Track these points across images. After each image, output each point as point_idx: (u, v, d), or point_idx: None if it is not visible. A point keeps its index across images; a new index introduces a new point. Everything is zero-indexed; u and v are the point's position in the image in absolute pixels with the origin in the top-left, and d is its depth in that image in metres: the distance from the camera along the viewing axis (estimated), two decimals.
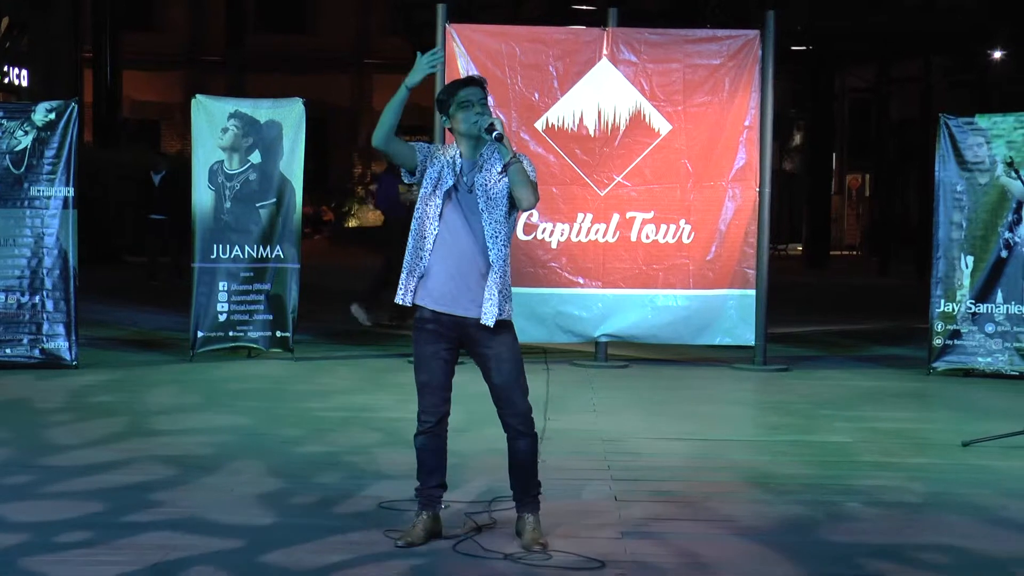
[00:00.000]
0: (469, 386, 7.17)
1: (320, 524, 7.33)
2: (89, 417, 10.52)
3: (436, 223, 6.82)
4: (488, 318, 6.76)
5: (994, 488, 8.59)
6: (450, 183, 6.82)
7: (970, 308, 13.42)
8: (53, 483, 8.19)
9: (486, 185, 6.81)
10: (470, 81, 6.98)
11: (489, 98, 6.93)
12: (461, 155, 6.88)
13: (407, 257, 6.91)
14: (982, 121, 13.54)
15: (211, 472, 8.58)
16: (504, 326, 6.85)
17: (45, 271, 12.84)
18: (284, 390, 12.11)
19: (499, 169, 6.79)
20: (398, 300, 6.93)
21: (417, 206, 6.92)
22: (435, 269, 6.84)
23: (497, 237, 6.77)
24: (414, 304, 6.90)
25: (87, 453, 9.11)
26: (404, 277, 6.90)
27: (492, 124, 6.75)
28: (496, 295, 6.76)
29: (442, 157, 6.88)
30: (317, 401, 11.55)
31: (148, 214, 24.68)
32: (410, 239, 6.90)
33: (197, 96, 13.92)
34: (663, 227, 13.79)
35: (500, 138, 6.71)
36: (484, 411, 6.93)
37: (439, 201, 6.83)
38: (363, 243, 38.65)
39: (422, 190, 6.89)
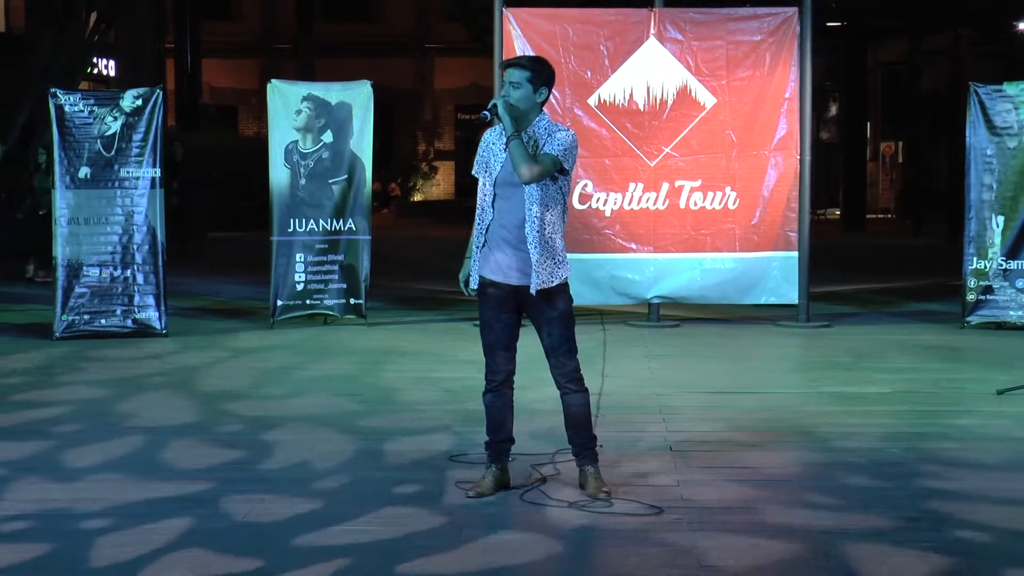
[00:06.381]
0: (532, 347, 7.14)
1: (395, 477, 7.34)
2: (177, 381, 10.60)
3: (491, 208, 6.80)
4: (533, 287, 6.72)
5: None
6: (498, 168, 6.80)
7: (1001, 265, 13.31)
8: (139, 439, 8.27)
9: None
10: (509, 63, 6.90)
11: (530, 72, 6.73)
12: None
13: (472, 241, 6.92)
14: (1010, 88, 13.41)
15: (292, 430, 8.62)
16: (554, 291, 6.78)
17: (135, 246, 12.93)
18: (358, 353, 12.13)
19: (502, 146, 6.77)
20: (469, 283, 6.94)
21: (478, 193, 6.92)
22: (490, 241, 6.83)
23: (532, 209, 6.69)
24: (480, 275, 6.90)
25: (175, 414, 9.20)
26: (472, 261, 6.92)
27: (494, 104, 6.72)
28: (540, 265, 6.69)
29: (492, 145, 6.85)
30: (389, 363, 11.56)
31: None
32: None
33: (273, 81, 13.93)
34: (710, 194, 13.75)
35: (493, 118, 6.72)
36: (547, 370, 6.91)
37: (490, 187, 6.82)
38: (428, 216, 38.75)
39: (479, 179, 6.90)
